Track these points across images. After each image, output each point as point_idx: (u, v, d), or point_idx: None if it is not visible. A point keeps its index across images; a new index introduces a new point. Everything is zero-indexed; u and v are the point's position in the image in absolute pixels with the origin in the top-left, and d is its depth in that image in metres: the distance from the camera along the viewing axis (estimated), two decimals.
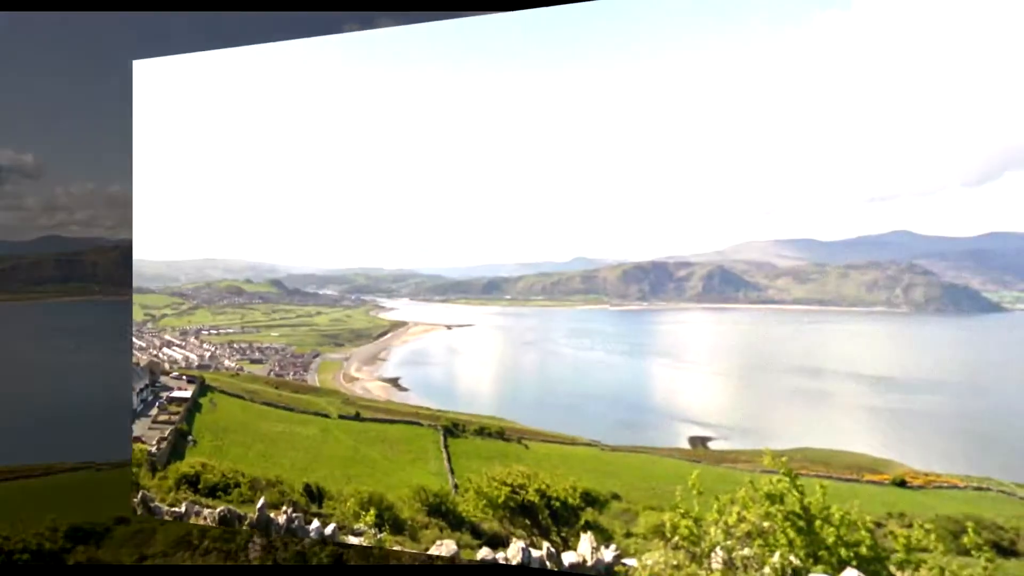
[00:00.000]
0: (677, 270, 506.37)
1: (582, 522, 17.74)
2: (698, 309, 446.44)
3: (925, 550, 8.77)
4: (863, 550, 8.94)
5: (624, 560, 7.73)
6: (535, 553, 7.65)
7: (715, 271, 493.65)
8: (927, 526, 9.54)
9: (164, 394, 73.75)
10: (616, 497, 51.49)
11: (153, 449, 47.58)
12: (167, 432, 56.51)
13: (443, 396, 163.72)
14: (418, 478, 48.79)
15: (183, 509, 8.91)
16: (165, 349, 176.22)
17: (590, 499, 37.35)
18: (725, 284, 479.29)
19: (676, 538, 7.77)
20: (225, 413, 73.58)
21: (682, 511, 8.22)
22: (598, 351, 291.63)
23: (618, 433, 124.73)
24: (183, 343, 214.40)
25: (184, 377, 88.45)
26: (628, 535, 27.11)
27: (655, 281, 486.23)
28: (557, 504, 17.99)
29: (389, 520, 14.64)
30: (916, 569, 6.89)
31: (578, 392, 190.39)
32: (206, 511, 8.93)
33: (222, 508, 9.04)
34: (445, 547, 9.10)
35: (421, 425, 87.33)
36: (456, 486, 53.22)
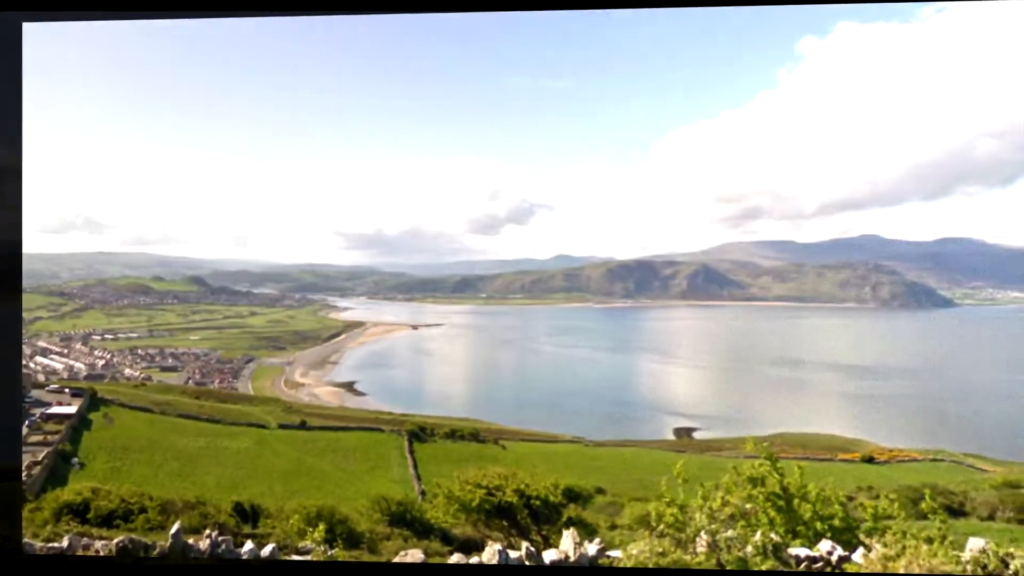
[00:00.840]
0: (663, 268, 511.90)
1: (564, 519, 17.26)
2: (683, 306, 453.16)
3: (890, 517, 9.56)
4: (836, 522, 9.76)
5: (608, 552, 7.63)
6: (513, 554, 7.44)
7: (700, 270, 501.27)
8: (891, 496, 10.82)
9: (37, 411, 64.25)
10: (600, 491, 51.40)
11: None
12: (41, 455, 49.22)
13: (408, 399, 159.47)
14: (378, 487, 45.40)
15: (65, 543, 7.28)
16: (39, 358, 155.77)
17: (573, 495, 36.96)
18: (710, 282, 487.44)
19: (661, 526, 7.75)
20: (126, 429, 65.54)
21: (667, 499, 8.23)
22: (582, 348, 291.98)
23: (603, 428, 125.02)
24: (65, 350, 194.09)
25: (67, 390, 77.14)
26: (613, 527, 27.05)
27: (640, 279, 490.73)
28: (537, 503, 17.43)
29: (342, 534, 13.57)
30: (882, 535, 7.35)
31: (561, 389, 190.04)
32: (99, 543, 7.53)
33: (121, 538, 7.72)
34: (411, 556, 8.71)
35: (382, 431, 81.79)
36: (423, 493, 50.47)
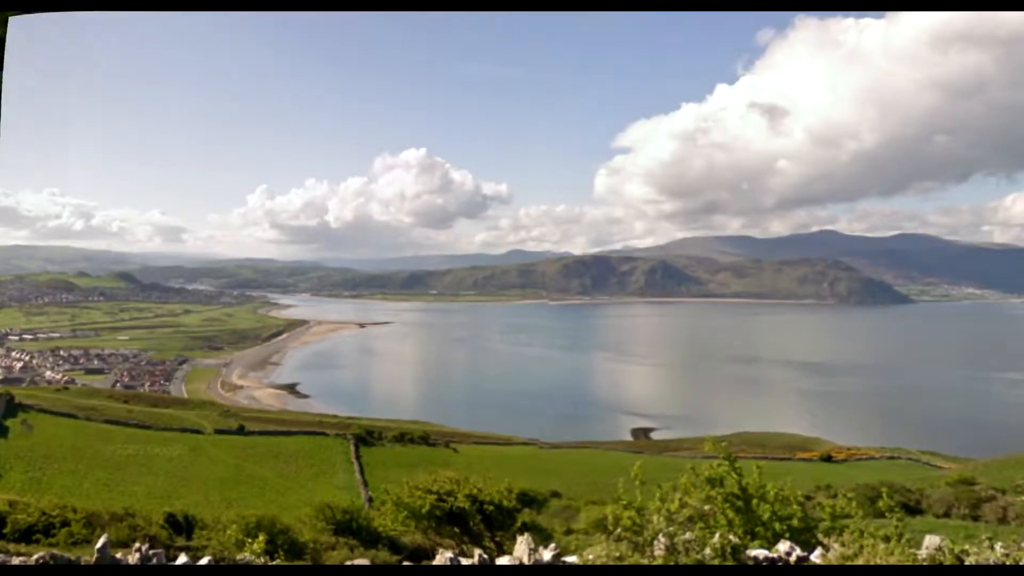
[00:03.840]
0: (620, 264, 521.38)
1: (518, 524, 17.37)
2: (641, 302, 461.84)
3: (848, 516, 9.89)
4: (795, 522, 10.03)
5: (564, 558, 7.66)
6: (465, 562, 7.43)
7: (658, 265, 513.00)
8: (849, 495, 11.20)
9: None
10: (556, 495, 52.13)
11: None
12: None
13: (354, 402, 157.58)
14: (322, 495, 45.32)
15: None
16: None
17: (527, 499, 37.33)
18: (668, 278, 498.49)
19: (618, 530, 7.87)
20: (47, 437, 63.67)
21: (624, 502, 8.35)
22: (537, 347, 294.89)
23: (558, 430, 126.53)
24: None
25: None
26: (568, 532, 27.41)
27: (597, 275, 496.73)
28: (491, 508, 17.49)
29: (284, 545, 13.41)
30: (840, 534, 7.70)
31: (514, 390, 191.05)
32: (16, 559, 7.29)
33: (41, 554, 7.46)
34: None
35: (326, 435, 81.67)
36: (371, 500, 50.60)
